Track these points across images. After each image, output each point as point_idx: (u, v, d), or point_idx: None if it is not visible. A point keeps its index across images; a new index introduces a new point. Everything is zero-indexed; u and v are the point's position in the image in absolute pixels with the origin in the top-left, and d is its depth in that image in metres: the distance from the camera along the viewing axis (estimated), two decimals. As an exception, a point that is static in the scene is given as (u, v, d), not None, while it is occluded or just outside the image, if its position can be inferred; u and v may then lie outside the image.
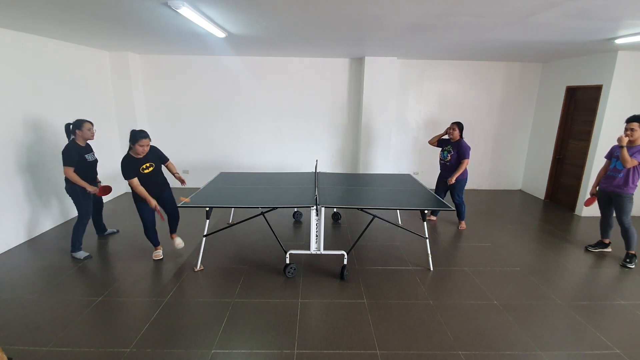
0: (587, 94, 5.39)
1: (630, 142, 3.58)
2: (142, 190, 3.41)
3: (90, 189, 3.61)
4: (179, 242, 3.89)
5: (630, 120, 3.55)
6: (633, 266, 3.74)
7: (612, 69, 4.81)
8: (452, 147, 4.56)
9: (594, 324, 2.78)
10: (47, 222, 4.51)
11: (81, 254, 3.76)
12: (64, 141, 4.68)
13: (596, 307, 3.02)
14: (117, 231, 4.49)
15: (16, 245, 4.03)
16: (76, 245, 3.76)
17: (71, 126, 3.62)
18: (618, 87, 4.85)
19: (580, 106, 5.54)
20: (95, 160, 3.83)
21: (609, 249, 4.09)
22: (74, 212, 4.93)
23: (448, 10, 2.86)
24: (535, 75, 6.35)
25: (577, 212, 5.47)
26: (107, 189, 3.95)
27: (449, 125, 4.66)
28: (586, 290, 3.29)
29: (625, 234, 3.77)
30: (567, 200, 5.78)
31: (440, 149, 4.81)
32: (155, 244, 3.81)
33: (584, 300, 3.12)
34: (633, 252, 3.79)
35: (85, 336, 2.54)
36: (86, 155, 3.67)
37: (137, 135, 3.32)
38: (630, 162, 3.48)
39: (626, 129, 3.57)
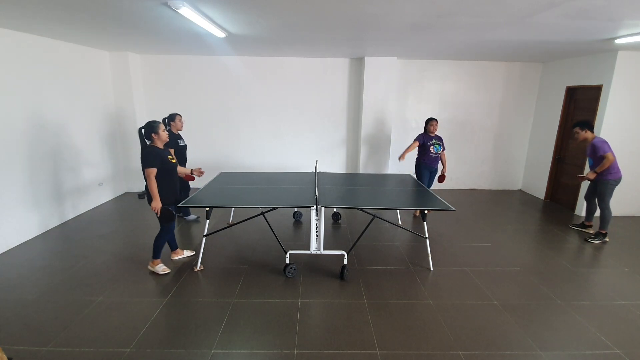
0: (587, 94, 5.38)
1: (583, 141, 4.31)
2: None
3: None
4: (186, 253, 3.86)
5: (573, 125, 4.32)
6: (597, 242, 4.32)
7: (612, 69, 4.81)
8: (437, 140, 4.99)
9: (594, 324, 2.78)
10: (48, 222, 4.50)
11: (191, 217, 4.94)
12: (64, 141, 4.72)
13: (596, 307, 3.02)
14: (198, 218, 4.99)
15: (16, 245, 4.03)
16: (187, 211, 4.97)
17: (166, 120, 4.41)
18: (618, 87, 4.85)
19: (580, 106, 5.53)
20: (185, 146, 4.63)
21: (590, 231, 4.61)
22: (73, 213, 4.95)
23: (448, 10, 2.86)
24: (535, 75, 6.34)
25: (577, 212, 5.47)
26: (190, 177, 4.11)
27: (432, 125, 4.94)
28: (586, 290, 3.29)
29: (601, 216, 4.33)
30: (567, 200, 5.77)
31: (427, 145, 4.92)
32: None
33: (584, 300, 3.12)
34: (603, 232, 4.33)
35: (85, 336, 2.54)
36: (178, 140, 4.50)
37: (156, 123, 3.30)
38: (608, 159, 4.02)
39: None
